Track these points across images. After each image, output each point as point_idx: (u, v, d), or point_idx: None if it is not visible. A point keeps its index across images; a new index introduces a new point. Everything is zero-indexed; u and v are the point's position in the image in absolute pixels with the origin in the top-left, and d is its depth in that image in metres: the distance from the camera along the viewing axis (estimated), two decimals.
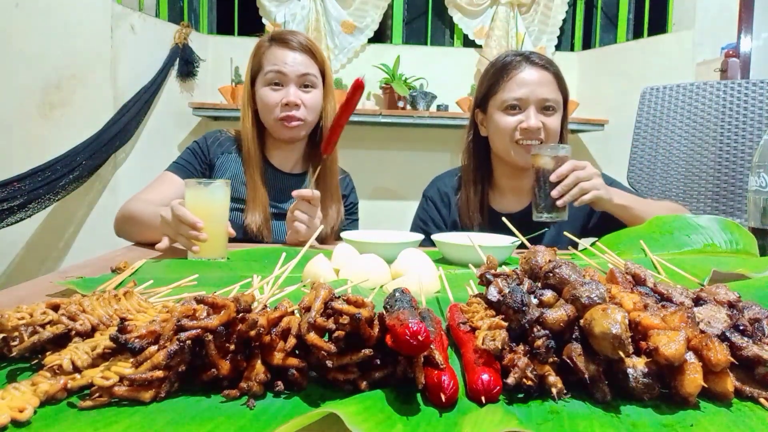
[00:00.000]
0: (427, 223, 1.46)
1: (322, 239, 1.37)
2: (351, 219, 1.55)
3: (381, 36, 3.36)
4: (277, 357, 0.44)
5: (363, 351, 0.43)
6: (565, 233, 1.06)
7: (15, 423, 0.37)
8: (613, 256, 0.86)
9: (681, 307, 0.49)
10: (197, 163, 1.41)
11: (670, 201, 1.55)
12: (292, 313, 0.48)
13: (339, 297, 0.46)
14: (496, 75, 1.33)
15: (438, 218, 1.46)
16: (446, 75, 3.25)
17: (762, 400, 0.43)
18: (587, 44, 3.52)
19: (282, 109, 1.34)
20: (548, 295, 0.50)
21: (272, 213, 1.41)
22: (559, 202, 1.15)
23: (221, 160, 1.42)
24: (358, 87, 1.14)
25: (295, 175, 1.47)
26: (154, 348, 0.43)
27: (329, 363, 0.42)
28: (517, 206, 1.42)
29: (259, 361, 0.44)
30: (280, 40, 1.35)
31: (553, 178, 1.16)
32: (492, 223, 1.36)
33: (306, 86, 1.36)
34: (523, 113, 1.29)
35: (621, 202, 1.20)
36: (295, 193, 1.20)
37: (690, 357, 0.42)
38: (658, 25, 3.19)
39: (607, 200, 1.18)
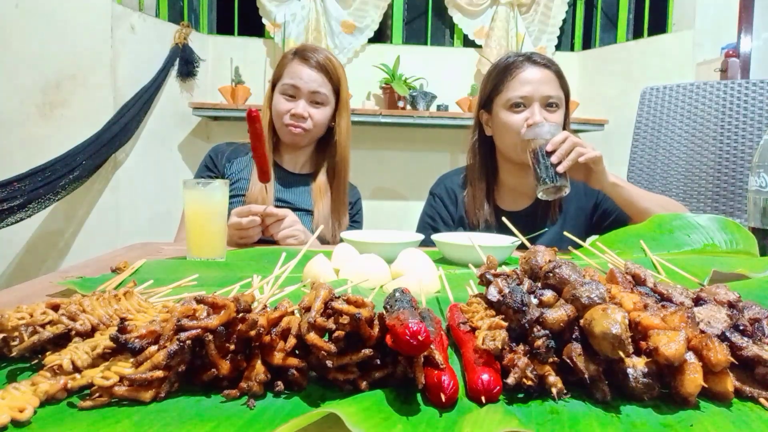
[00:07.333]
0: (435, 220, 1.48)
1: (323, 240, 1.41)
2: (354, 221, 1.58)
3: (381, 36, 3.36)
4: (277, 357, 0.44)
5: (363, 351, 0.43)
6: (566, 233, 1.06)
7: (15, 423, 0.37)
8: (613, 256, 0.86)
9: (681, 307, 0.49)
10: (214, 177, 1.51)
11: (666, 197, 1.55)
12: (292, 313, 0.48)
13: (339, 297, 0.46)
14: (499, 75, 1.36)
15: (446, 214, 1.47)
16: (446, 75, 3.25)
17: (762, 400, 0.43)
18: (587, 44, 3.52)
19: (290, 118, 1.45)
20: (548, 295, 0.49)
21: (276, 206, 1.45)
22: (559, 168, 1.15)
23: (232, 164, 1.51)
24: (249, 118, 1.17)
25: (302, 175, 1.55)
26: (154, 348, 0.43)
27: (329, 363, 0.42)
28: (522, 204, 1.44)
29: (259, 361, 0.44)
30: (302, 56, 1.46)
31: (549, 147, 1.17)
32: (498, 220, 1.37)
33: (317, 102, 1.46)
34: (528, 110, 1.32)
35: (614, 181, 1.22)
36: (266, 211, 1.22)
37: (690, 357, 0.42)
38: (658, 25, 3.19)
39: (603, 173, 1.19)
